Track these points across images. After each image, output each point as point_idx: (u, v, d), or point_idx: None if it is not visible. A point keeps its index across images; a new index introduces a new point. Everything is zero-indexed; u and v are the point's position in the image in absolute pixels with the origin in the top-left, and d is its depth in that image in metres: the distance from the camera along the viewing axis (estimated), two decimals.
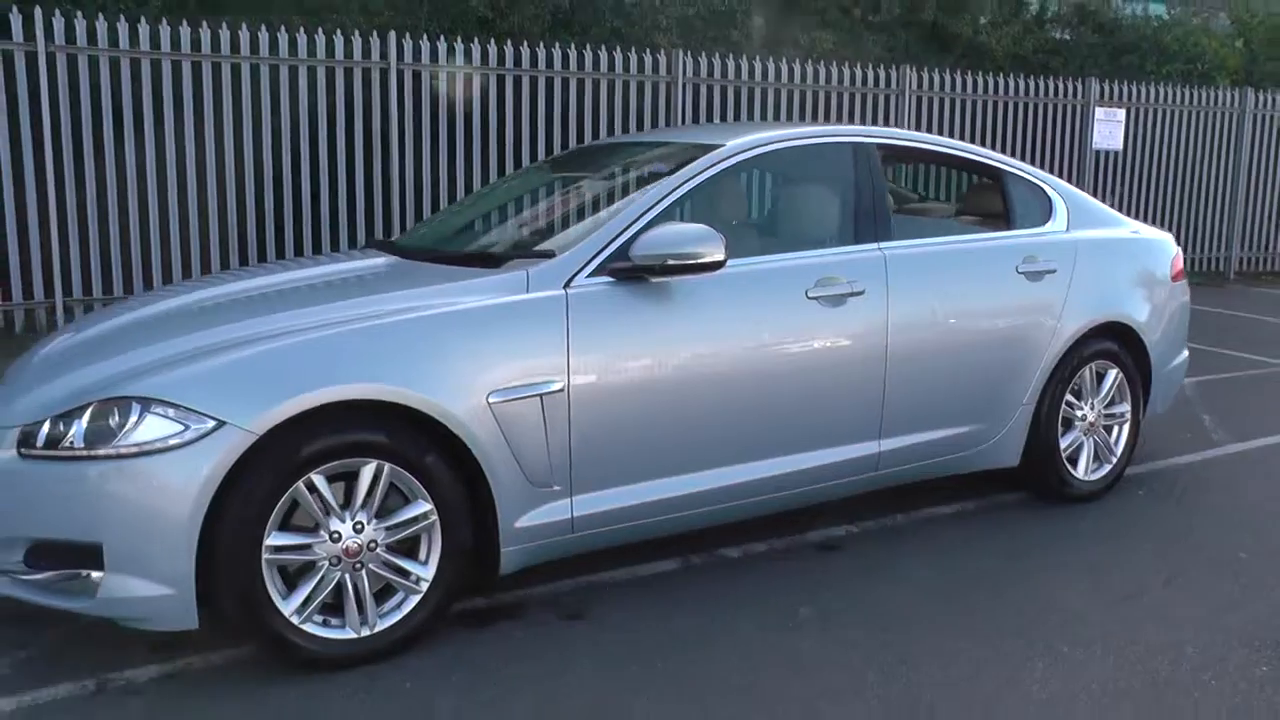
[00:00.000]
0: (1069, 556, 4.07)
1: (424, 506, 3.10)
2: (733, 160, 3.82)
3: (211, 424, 2.84)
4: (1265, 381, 7.19)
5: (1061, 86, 11.50)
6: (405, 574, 3.13)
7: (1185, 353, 5.19)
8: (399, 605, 3.14)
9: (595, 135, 9.55)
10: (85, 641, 3.29)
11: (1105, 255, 4.66)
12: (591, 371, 3.30)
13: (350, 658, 3.07)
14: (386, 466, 3.03)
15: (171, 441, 2.84)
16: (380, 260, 3.87)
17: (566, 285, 3.35)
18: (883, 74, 10.67)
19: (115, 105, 7.93)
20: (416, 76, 8.88)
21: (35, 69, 7.65)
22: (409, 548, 3.15)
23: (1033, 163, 11.14)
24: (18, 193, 7.75)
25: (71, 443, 2.92)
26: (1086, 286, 4.51)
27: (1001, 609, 3.59)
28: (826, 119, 10.53)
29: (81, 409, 2.95)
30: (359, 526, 3.04)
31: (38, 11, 7.53)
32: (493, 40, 9.13)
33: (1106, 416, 4.71)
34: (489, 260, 3.55)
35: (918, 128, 10.84)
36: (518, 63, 9.18)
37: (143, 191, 8.12)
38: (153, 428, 2.86)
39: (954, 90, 11.04)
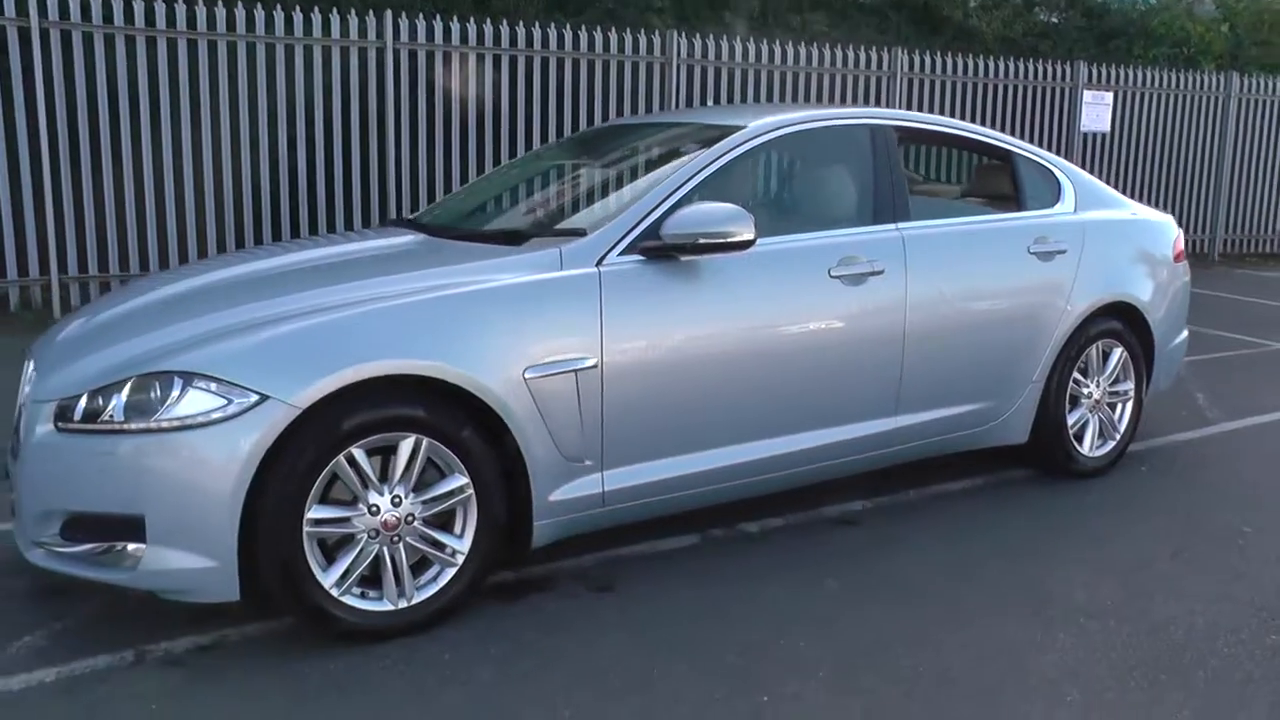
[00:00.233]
0: (1078, 531, 4.16)
1: (460, 480, 3.14)
2: (756, 141, 3.87)
3: (255, 398, 2.87)
4: (1255, 361, 7.32)
5: (1050, 69, 11.60)
6: (441, 547, 3.18)
7: (1185, 332, 5.29)
8: (435, 578, 3.19)
9: (590, 116, 9.57)
10: (120, 614, 3.31)
11: (1111, 236, 4.74)
12: (623, 348, 3.35)
13: (388, 630, 3.12)
14: (425, 441, 3.07)
15: (214, 415, 2.87)
16: (407, 238, 3.90)
17: (599, 263, 3.39)
18: (874, 56, 10.72)
19: (110, 82, 7.89)
20: (413, 56, 8.86)
21: (29, 45, 7.59)
22: (444, 521, 3.19)
23: None
24: (12, 170, 7.71)
25: (111, 416, 2.94)
26: (1094, 267, 4.59)
27: (1018, 581, 3.67)
28: (820, 100, 10.59)
29: (120, 383, 2.97)
30: (397, 500, 3.08)
31: None
32: (489, 20, 9.12)
33: (1111, 394, 4.80)
34: (517, 238, 3.58)
35: (908, 109, 10.90)
36: (513, 43, 9.18)
37: (138, 169, 8.09)
38: (195, 402, 2.89)
39: (944, 73, 11.11)
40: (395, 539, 3.09)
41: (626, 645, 3.15)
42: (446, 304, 3.15)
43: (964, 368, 4.22)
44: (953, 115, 11.15)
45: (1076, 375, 4.64)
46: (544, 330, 3.24)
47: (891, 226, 4.04)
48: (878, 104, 10.83)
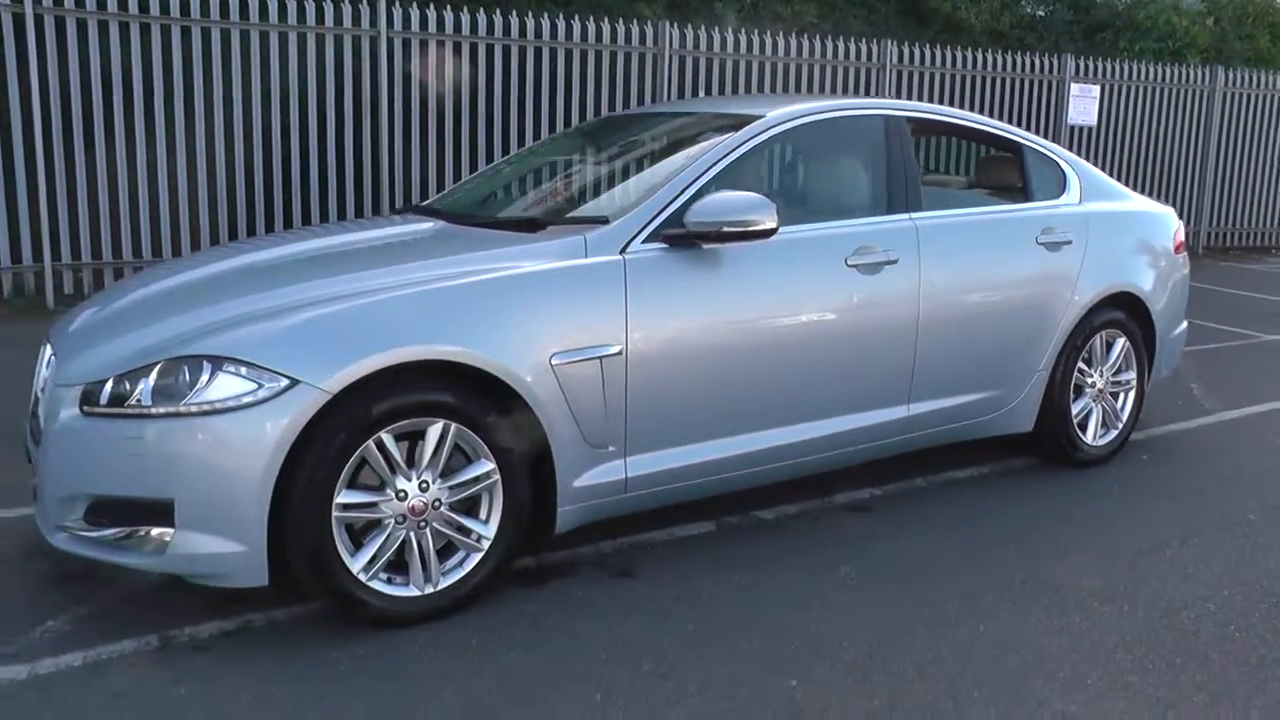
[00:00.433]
0: (1085, 518, 4.21)
1: (487, 466, 3.16)
2: (775, 130, 3.89)
3: (285, 383, 2.88)
4: (1246, 352, 7.41)
5: (1038, 62, 11.68)
6: (467, 532, 3.19)
7: (1185, 322, 5.35)
8: (460, 563, 3.20)
9: (583, 105, 9.57)
10: (142, 599, 3.32)
11: (1115, 227, 4.79)
12: (647, 336, 3.37)
13: (414, 615, 3.13)
14: (453, 426, 3.08)
15: (245, 399, 2.87)
16: (426, 225, 3.90)
17: (622, 250, 3.41)
18: (864, 48, 10.76)
19: (104, 69, 7.83)
20: (406, 45, 8.84)
21: (23, 31, 7.52)
22: (469, 507, 3.21)
23: None
24: (5, 156, 7.64)
25: (139, 400, 2.94)
26: (1099, 257, 4.65)
27: (1029, 567, 3.72)
28: (811, 91, 10.62)
29: (148, 368, 2.97)
30: (424, 485, 3.09)
31: None
32: (481, 10, 9.10)
33: (1113, 384, 4.86)
34: (538, 225, 3.59)
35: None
36: (507, 32, 9.17)
37: (131, 157, 8.04)
38: (225, 386, 2.89)
39: (933, 65, 11.16)
40: (422, 524, 3.10)
41: (653, 630, 3.17)
42: (475, 290, 3.16)
43: (974, 357, 4.26)
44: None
45: (1081, 365, 4.70)
46: (571, 317, 3.26)
47: (905, 216, 4.08)
48: (867, 95, 10.88)
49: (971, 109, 11.36)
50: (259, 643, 3.08)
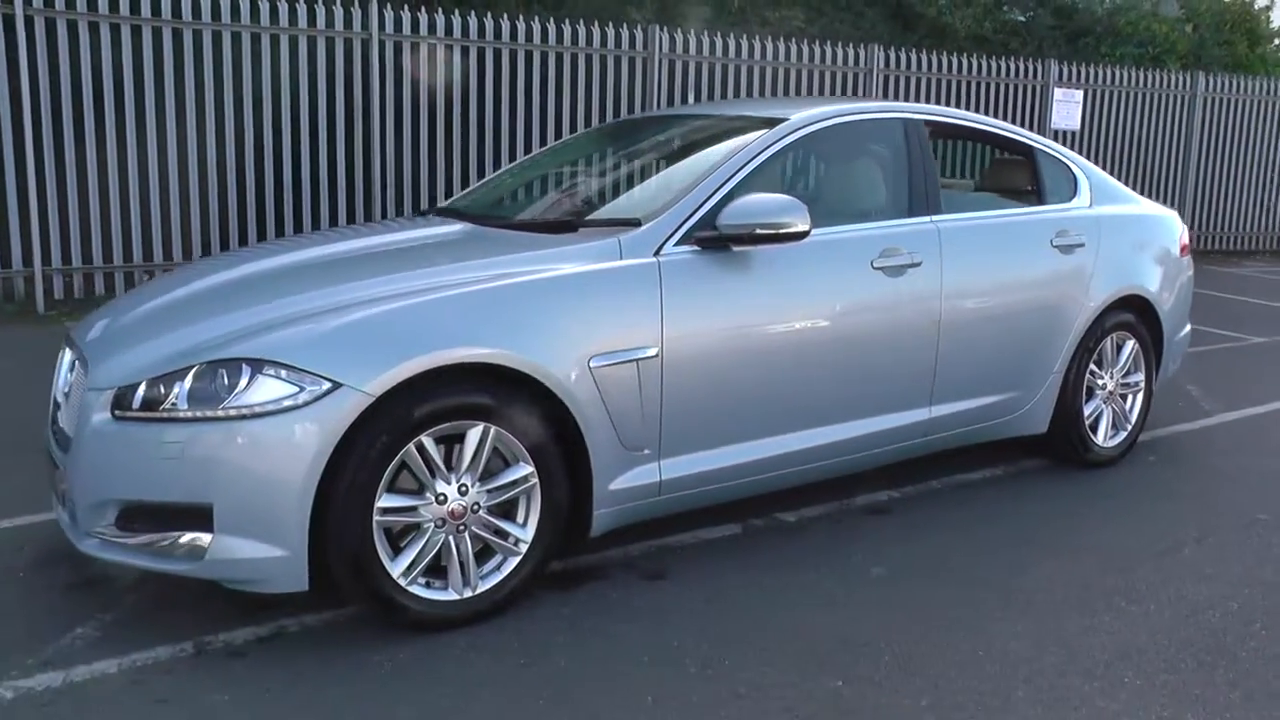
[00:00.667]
0: (1101, 519, 4.25)
1: (525, 469, 3.15)
2: (800, 133, 3.90)
3: (327, 385, 2.86)
4: (1239, 355, 7.51)
5: (1022, 67, 11.79)
6: (504, 535, 3.18)
7: (1189, 324, 5.41)
8: (498, 567, 3.19)
9: (573, 109, 9.57)
10: (169, 605, 3.28)
11: (1125, 230, 4.85)
12: (682, 338, 3.38)
13: (454, 619, 3.11)
14: (492, 429, 3.07)
15: (286, 403, 2.85)
16: (455, 227, 3.88)
17: (656, 253, 3.41)
18: (852, 53, 10.83)
19: (95, 72, 7.75)
20: (397, 48, 8.80)
21: (13, 32, 7.44)
22: (506, 510, 3.19)
23: None
24: None
25: (174, 404, 2.91)
26: (1110, 260, 4.69)
27: (1054, 568, 3.75)
28: (801, 95, 10.67)
29: (183, 371, 2.94)
30: (463, 489, 3.08)
31: None
32: (473, 12, 9.09)
33: (1123, 385, 4.91)
34: (569, 227, 3.59)
35: None
36: (498, 35, 9.16)
37: (122, 160, 7.96)
38: (265, 389, 2.86)
39: (920, 69, 11.25)
40: (461, 528, 3.09)
41: (692, 632, 3.17)
42: (515, 292, 3.15)
43: (992, 359, 4.30)
44: None
45: (1092, 367, 4.74)
46: (609, 319, 3.25)
47: (927, 219, 4.10)
48: (856, 97, 10.92)
49: None
50: (296, 648, 3.05)
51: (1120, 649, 3.19)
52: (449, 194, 9.16)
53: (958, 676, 2.98)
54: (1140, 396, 4.98)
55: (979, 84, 11.59)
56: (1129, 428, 4.95)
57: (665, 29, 9.92)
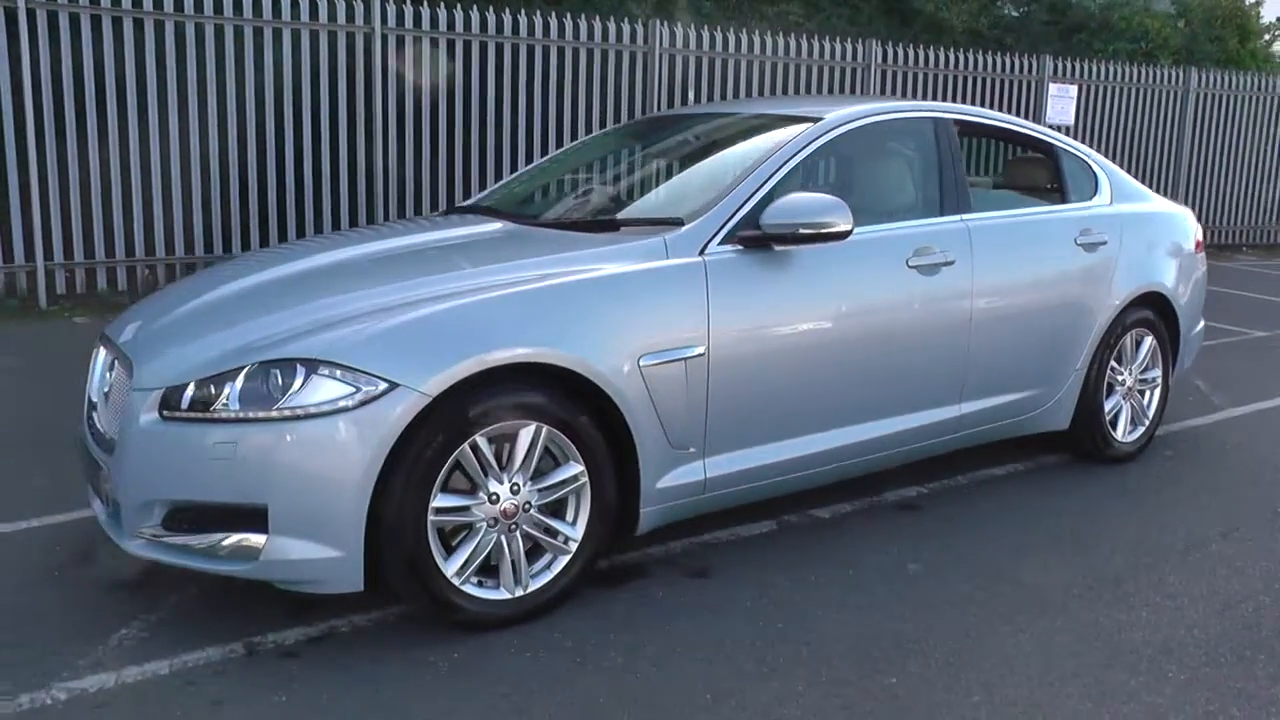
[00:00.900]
0: (1126, 514, 4.30)
1: (576, 468, 3.16)
2: (836, 132, 3.92)
3: (384, 386, 2.85)
4: (1242, 349, 7.59)
5: (1018, 62, 11.85)
6: (554, 534, 3.19)
7: (1202, 320, 5.47)
8: (548, 565, 3.20)
9: (574, 103, 9.57)
10: (212, 605, 3.27)
11: (1144, 228, 4.89)
12: (728, 337, 3.39)
13: (505, 618, 3.12)
14: (544, 428, 3.07)
15: (342, 403, 2.85)
16: (495, 225, 3.88)
17: (701, 252, 3.42)
18: (850, 48, 10.87)
19: (97, 65, 7.70)
20: (400, 42, 8.78)
21: (15, 25, 7.37)
22: (555, 509, 3.20)
23: None
24: None
25: (225, 404, 2.90)
26: (1131, 258, 4.74)
27: (1087, 563, 3.79)
28: (798, 90, 10.70)
29: (234, 371, 2.93)
30: (515, 488, 3.08)
31: None
32: (474, 7, 9.07)
33: (1141, 381, 4.96)
34: (611, 226, 3.60)
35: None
36: (499, 29, 9.14)
37: (124, 154, 7.91)
38: (321, 389, 2.86)
39: (917, 64, 11.29)
40: (513, 527, 3.10)
41: (743, 630, 3.19)
42: (567, 291, 3.16)
43: (1020, 356, 4.33)
44: None
45: (1113, 363, 4.79)
46: (658, 319, 3.27)
47: (957, 218, 4.13)
48: (853, 93, 10.98)
49: None
50: (348, 648, 3.05)
51: (1160, 643, 3.23)
52: (450, 189, 9.15)
53: (1007, 673, 3.01)
54: (1158, 392, 5.04)
55: (975, 79, 11.65)
56: (1147, 423, 5.00)
57: (665, 24, 9.92)
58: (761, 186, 3.60)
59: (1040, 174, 4.84)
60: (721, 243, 3.47)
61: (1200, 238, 5.32)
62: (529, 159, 9.43)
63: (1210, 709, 2.88)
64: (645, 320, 3.24)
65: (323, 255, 3.67)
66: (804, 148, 3.79)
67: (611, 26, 9.61)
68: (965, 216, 4.16)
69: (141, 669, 2.92)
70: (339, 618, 3.21)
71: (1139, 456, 5.00)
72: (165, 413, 2.96)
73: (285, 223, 8.60)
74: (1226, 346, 7.61)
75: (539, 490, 3.13)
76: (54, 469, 4.34)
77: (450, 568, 3.02)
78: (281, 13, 8.29)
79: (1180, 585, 3.65)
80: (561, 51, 9.46)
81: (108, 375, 3.37)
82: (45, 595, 3.32)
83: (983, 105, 11.69)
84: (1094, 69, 12.30)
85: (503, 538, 3.09)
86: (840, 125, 3.94)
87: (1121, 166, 12.64)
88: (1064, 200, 4.72)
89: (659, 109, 9.90)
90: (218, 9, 8.07)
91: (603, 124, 9.74)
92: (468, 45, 9.04)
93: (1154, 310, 4.92)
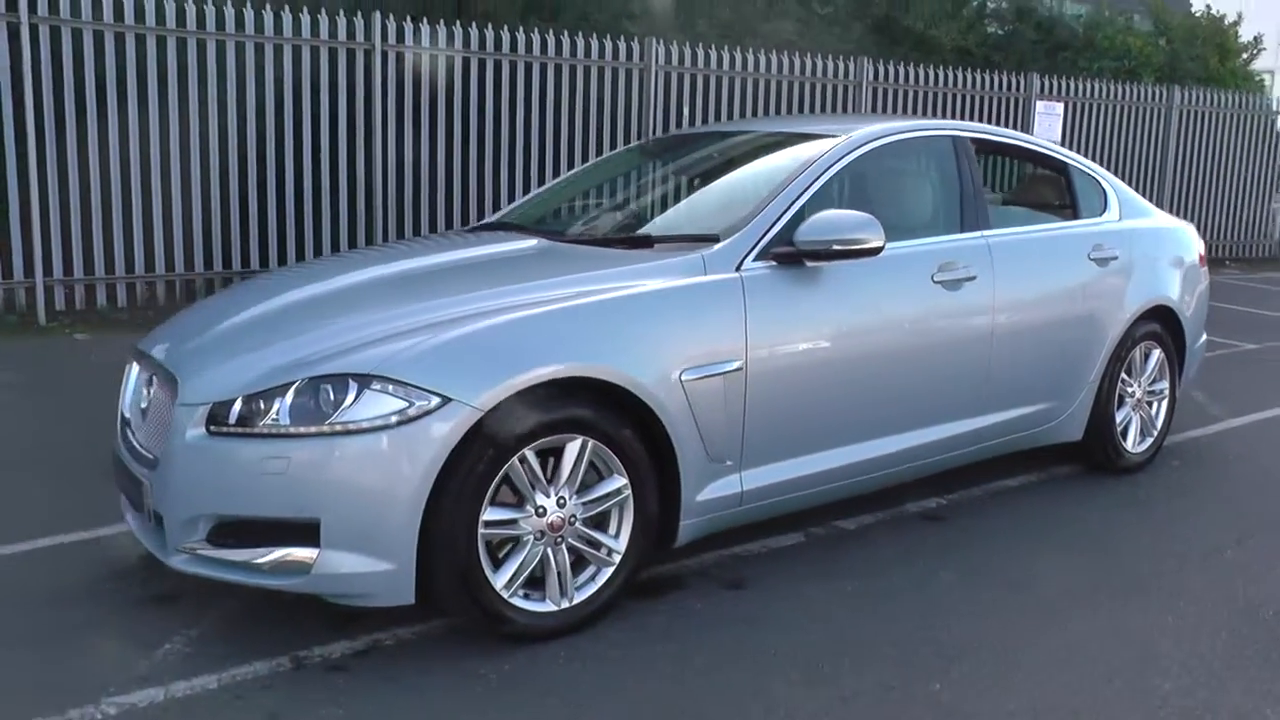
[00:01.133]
0: (1139, 522, 4.39)
1: (620, 481, 3.20)
2: (862, 150, 4.00)
3: (436, 400, 2.89)
4: (1235, 361, 7.73)
5: (1006, 80, 12.02)
6: (598, 546, 3.23)
7: (1205, 333, 5.58)
8: (592, 577, 3.24)
9: (572, 120, 9.63)
10: (253, 620, 3.28)
11: (1152, 243, 5.00)
12: (764, 352, 3.46)
13: (553, 629, 3.16)
14: (590, 442, 3.12)
15: (394, 418, 2.88)
16: (530, 242, 3.92)
17: (737, 268, 3.49)
18: (842, 66, 11.00)
19: (99, 81, 7.70)
20: (399, 58, 8.82)
21: (17, 40, 7.37)
22: (598, 521, 3.25)
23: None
24: None
25: (275, 420, 2.93)
26: (1140, 272, 4.84)
27: (1108, 569, 3.87)
28: (791, 109, 10.82)
29: (284, 387, 2.96)
30: (561, 501, 3.12)
31: None
32: (474, 23, 9.13)
33: (1149, 393, 5.05)
34: (645, 243, 3.65)
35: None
36: (498, 46, 9.20)
37: (125, 170, 7.90)
38: (373, 404, 2.89)
39: (908, 82, 11.43)
40: (559, 540, 3.14)
41: (785, 640, 3.24)
42: (613, 307, 3.22)
43: (1037, 369, 4.42)
44: None
45: (1123, 375, 4.88)
46: (698, 333, 3.33)
47: (978, 234, 4.21)
48: (844, 111, 11.11)
49: None
50: (395, 661, 3.08)
51: (1189, 647, 3.30)
52: (449, 204, 9.18)
53: (1045, 679, 3.07)
54: (1165, 403, 5.13)
55: (964, 97, 11.80)
56: (1155, 434, 5.09)
57: (661, 42, 10.01)
58: (794, 204, 3.67)
59: (1055, 191, 4.94)
60: (756, 259, 3.54)
61: (1203, 252, 5.43)
62: (527, 175, 9.49)
63: (1244, 710, 2.95)
64: (686, 335, 3.30)
65: (360, 272, 3.71)
66: (832, 165, 3.86)
67: (608, 44, 9.69)
68: (985, 233, 4.24)
69: (190, 683, 2.93)
70: (382, 631, 3.24)
71: (1147, 467, 5.09)
72: (212, 428, 2.99)
73: (285, 239, 8.61)
74: (1219, 359, 7.73)
75: (584, 503, 3.17)
76: (68, 486, 4.35)
77: (499, 580, 3.05)
78: (283, 29, 8.32)
79: (1202, 591, 3.73)
80: (559, 68, 9.52)
81: (145, 391, 3.39)
82: (80, 612, 3.32)
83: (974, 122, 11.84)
84: (1080, 86, 12.49)
85: (549, 550, 3.13)
86: (867, 143, 4.02)
87: None
88: (1076, 216, 4.82)
89: (655, 125, 9.98)
90: (219, 25, 8.09)
91: (600, 140, 9.81)
92: (466, 62, 9.09)
93: (1161, 323, 5.02)
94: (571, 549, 3.18)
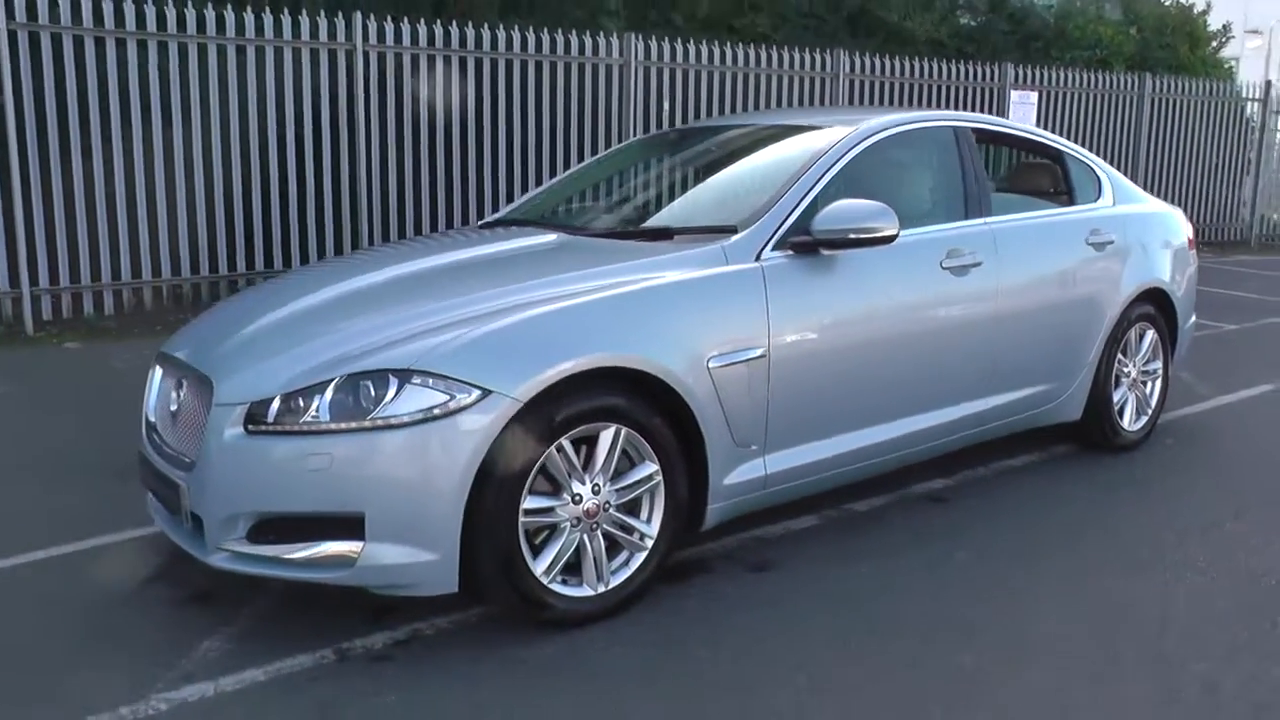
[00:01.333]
0: (1143, 499, 4.51)
1: (651, 468, 3.28)
2: (871, 140, 4.09)
3: (477, 393, 2.95)
4: (1217, 341, 7.91)
5: (980, 71, 12.18)
6: (630, 531, 3.30)
7: (1194, 314, 5.72)
8: (626, 562, 3.31)
9: (554, 116, 9.68)
10: (288, 615, 3.33)
11: (1145, 227, 5.13)
12: (785, 338, 3.54)
13: (590, 614, 3.23)
14: (623, 430, 3.19)
15: (436, 412, 2.94)
16: (550, 237, 3.99)
17: (757, 258, 3.57)
18: (819, 59, 11.11)
19: (80, 87, 7.66)
20: (381, 58, 8.83)
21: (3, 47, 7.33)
22: (630, 507, 3.32)
23: None
24: None
25: (315, 417, 2.98)
26: (1134, 255, 4.97)
27: (1115, 545, 3.98)
28: (770, 102, 10.92)
29: (322, 384, 3.01)
30: (596, 488, 3.19)
31: None
32: (454, 22, 9.15)
33: (1143, 373, 5.18)
34: (664, 235, 3.73)
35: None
36: (479, 45, 9.23)
37: (109, 177, 7.86)
38: (414, 399, 2.95)
39: (883, 74, 11.56)
40: (594, 526, 3.21)
41: (815, 620, 3.32)
42: (642, 297, 3.29)
43: (1039, 351, 4.54)
44: None
45: (1119, 356, 5.00)
46: (723, 322, 3.41)
47: (981, 221, 4.32)
48: (821, 103, 11.23)
49: None
50: (439, 650, 3.14)
51: (1201, 614, 3.42)
52: (433, 202, 9.21)
53: (1067, 650, 3.17)
54: (1159, 383, 5.27)
55: (939, 87, 11.94)
56: (1149, 412, 5.23)
57: (640, 37, 10.08)
58: (809, 194, 3.75)
59: (1051, 178, 5.06)
60: (774, 248, 3.62)
61: (1191, 235, 5.57)
62: (510, 171, 9.53)
63: (1258, 673, 3.07)
64: (711, 324, 3.38)
65: (381, 271, 3.76)
66: (843, 155, 3.95)
67: (588, 40, 9.75)
68: (988, 219, 4.34)
69: (238, 678, 2.98)
70: (421, 621, 3.30)
71: (1143, 445, 5.22)
72: (250, 427, 3.03)
73: (271, 241, 8.61)
74: (1203, 339, 7.89)
75: (617, 490, 3.25)
76: (85, 491, 4.36)
77: (539, 567, 3.12)
78: (264, 31, 8.30)
79: (1206, 563, 3.85)
80: (539, 65, 9.57)
81: (174, 394, 3.42)
82: (115, 615, 3.34)
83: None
84: (1053, 76, 12.68)
85: (584, 536, 3.20)
86: (875, 134, 4.12)
87: None
88: (1072, 202, 4.94)
89: (635, 120, 10.05)
90: (200, 28, 8.06)
91: (582, 136, 9.87)
92: (447, 60, 9.12)
93: (1155, 305, 5.15)
94: (606, 535, 3.26)
